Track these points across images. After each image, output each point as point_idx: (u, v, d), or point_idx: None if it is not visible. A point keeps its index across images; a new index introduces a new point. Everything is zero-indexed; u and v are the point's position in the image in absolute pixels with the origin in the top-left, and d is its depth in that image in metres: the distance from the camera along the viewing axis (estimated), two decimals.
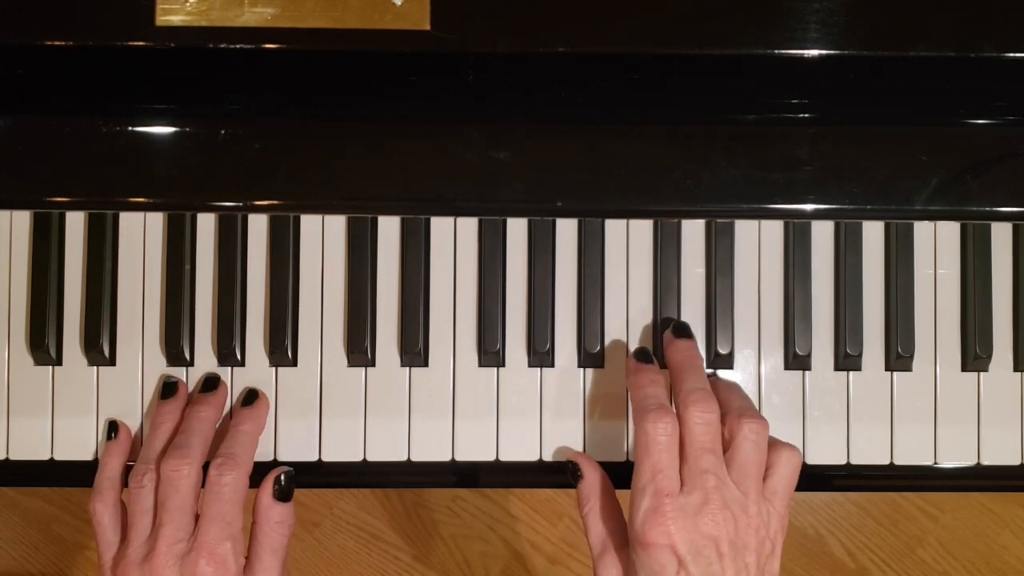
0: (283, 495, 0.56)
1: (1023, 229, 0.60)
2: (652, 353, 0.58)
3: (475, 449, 0.59)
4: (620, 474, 0.57)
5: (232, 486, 0.54)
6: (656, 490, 0.50)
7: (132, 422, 0.59)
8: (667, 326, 0.59)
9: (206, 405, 0.57)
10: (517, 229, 0.60)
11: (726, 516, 0.50)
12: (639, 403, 0.53)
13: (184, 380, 0.59)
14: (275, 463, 0.59)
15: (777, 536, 0.52)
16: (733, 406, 0.54)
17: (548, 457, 0.59)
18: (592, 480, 0.56)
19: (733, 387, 0.58)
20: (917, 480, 0.60)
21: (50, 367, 0.59)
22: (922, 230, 0.60)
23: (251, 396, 0.58)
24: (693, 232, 0.60)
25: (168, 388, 0.58)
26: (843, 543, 1.09)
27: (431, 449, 0.59)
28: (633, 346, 0.60)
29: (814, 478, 0.60)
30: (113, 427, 0.58)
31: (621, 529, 0.54)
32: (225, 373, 0.59)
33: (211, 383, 0.58)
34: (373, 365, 0.59)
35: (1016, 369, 0.60)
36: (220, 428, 0.59)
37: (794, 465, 0.53)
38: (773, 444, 0.54)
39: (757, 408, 0.54)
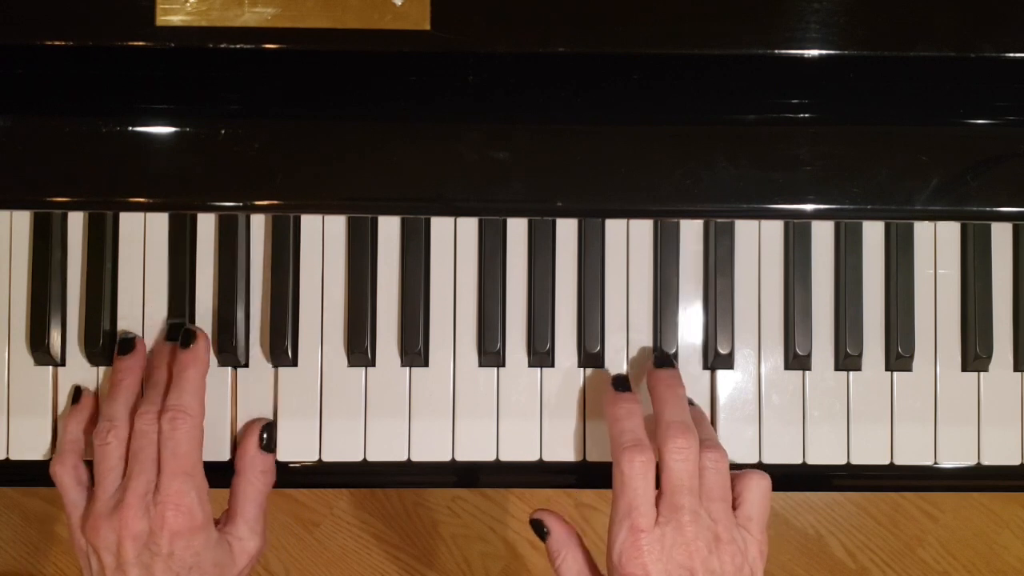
0: (269, 445, 0.57)
1: (1023, 229, 0.60)
2: (631, 380, 0.58)
3: (475, 449, 0.59)
4: None
5: (188, 435, 0.54)
6: (632, 526, 0.51)
7: None
8: (667, 326, 0.59)
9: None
10: (517, 229, 0.60)
11: (699, 546, 0.50)
12: (615, 438, 0.54)
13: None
14: (275, 462, 0.59)
15: (756, 562, 0.53)
16: None
17: (548, 457, 0.59)
18: (559, 533, 0.56)
19: (699, 416, 0.58)
20: (917, 480, 0.60)
21: (50, 367, 0.59)
22: (922, 230, 0.60)
23: (188, 336, 0.57)
24: (693, 232, 0.60)
25: (125, 344, 0.58)
26: (843, 543, 1.09)
27: (431, 449, 0.59)
28: (633, 346, 0.60)
29: (814, 478, 0.60)
30: (78, 392, 0.58)
31: (595, 575, 0.55)
32: (226, 373, 0.59)
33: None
34: (373, 365, 0.59)
35: (1016, 369, 0.60)
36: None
37: (763, 489, 0.54)
38: (740, 473, 0.55)
39: (718, 437, 0.56)
